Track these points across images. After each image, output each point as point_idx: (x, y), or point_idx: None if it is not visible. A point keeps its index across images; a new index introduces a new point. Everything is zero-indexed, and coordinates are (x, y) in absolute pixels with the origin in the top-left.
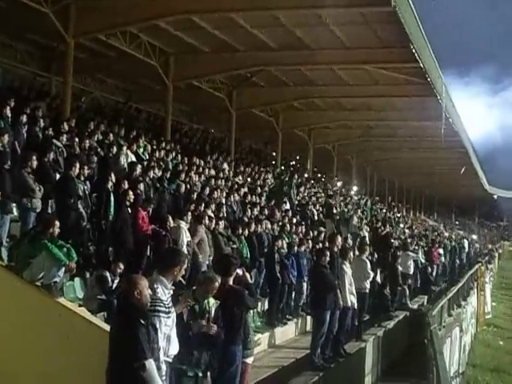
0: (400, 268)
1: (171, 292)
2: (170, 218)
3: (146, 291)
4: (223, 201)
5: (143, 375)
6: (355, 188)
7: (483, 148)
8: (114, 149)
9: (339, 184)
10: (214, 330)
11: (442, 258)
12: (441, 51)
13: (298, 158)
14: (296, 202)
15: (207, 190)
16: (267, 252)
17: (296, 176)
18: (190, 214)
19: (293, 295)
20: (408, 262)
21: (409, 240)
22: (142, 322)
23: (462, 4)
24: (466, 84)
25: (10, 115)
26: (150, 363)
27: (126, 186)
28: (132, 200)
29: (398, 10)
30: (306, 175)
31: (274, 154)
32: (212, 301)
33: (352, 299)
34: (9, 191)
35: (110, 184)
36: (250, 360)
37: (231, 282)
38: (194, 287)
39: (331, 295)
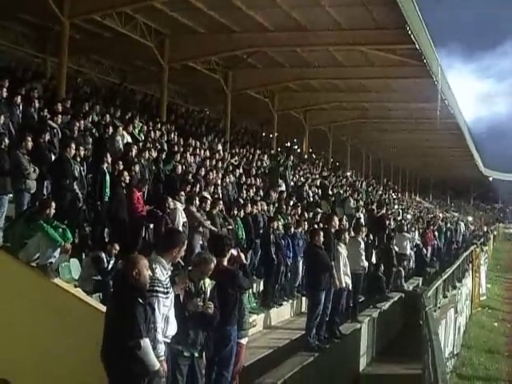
0: (396, 249)
1: (169, 273)
2: (170, 199)
3: (145, 271)
4: (218, 182)
5: (138, 353)
6: (348, 174)
7: (478, 130)
8: (110, 130)
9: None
10: (211, 309)
11: (437, 240)
12: (436, 29)
13: (293, 139)
14: (292, 184)
15: (202, 171)
16: (262, 233)
17: (291, 157)
18: (184, 194)
19: (288, 276)
20: (404, 243)
21: (404, 221)
22: (140, 301)
23: None
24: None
25: (5, 96)
26: (146, 342)
27: (122, 167)
28: (127, 181)
29: None
30: (301, 156)
31: (270, 135)
32: (208, 281)
33: (347, 280)
34: (7, 172)
35: (105, 165)
36: (244, 340)
37: (226, 263)
38: (190, 268)
39: (326, 276)
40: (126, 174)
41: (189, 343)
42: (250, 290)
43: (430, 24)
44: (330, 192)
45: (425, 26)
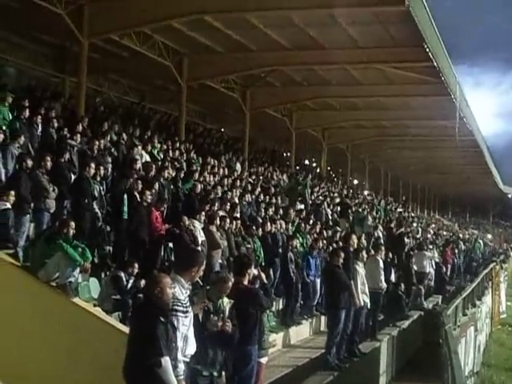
0: (415, 267)
1: (188, 292)
2: (185, 217)
3: (167, 290)
4: (237, 200)
5: (158, 372)
6: (366, 192)
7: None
8: (129, 149)
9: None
10: (230, 326)
11: (456, 258)
12: (452, 45)
13: (312, 157)
14: (310, 202)
15: (221, 190)
16: (281, 252)
17: (310, 176)
18: (203, 213)
19: (307, 295)
20: (424, 262)
21: (423, 239)
22: (162, 319)
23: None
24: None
25: (26, 116)
26: (166, 361)
27: (140, 186)
28: (149, 200)
29: (411, 9)
30: (319, 175)
31: (288, 153)
32: (226, 300)
33: (365, 298)
34: (25, 193)
35: (125, 184)
36: (264, 360)
37: (246, 282)
38: (208, 287)
39: (345, 294)
40: (148, 193)
41: (208, 362)
42: (270, 309)
43: (446, 40)
44: (352, 210)
45: (442, 43)
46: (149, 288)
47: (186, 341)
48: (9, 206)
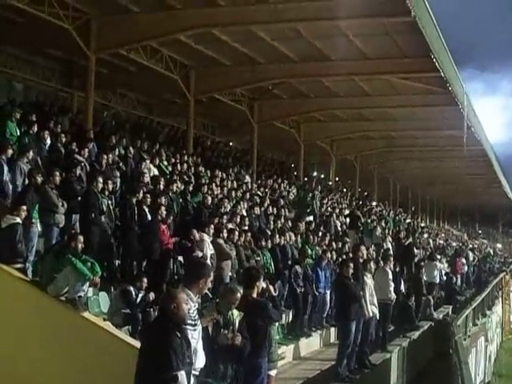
0: (425, 277)
1: (197, 305)
2: (195, 231)
3: (183, 305)
4: (244, 213)
5: None
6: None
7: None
8: (137, 163)
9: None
10: (239, 339)
11: (466, 268)
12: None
13: (320, 169)
14: (319, 214)
15: (230, 203)
16: (291, 264)
17: (319, 187)
18: (212, 226)
19: (317, 307)
20: (434, 272)
21: (433, 250)
22: (178, 334)
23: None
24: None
25: (35, 131)
26: (182, 375)
27: (149, 200)
28: (164, 215)
29: (418, 20)
30: (328, 186)
31: (297, 165)
32: (236, 313)
33: (373, 309)
34: (30, 208)
35: (134, 198)
36: (273, 372)
37: (255, 295)
38: (217, 300)
39: (355, 306)
40: (163, 208)
41: (219, 376)
42: (279, 322)
43: (453, 48)
44: (362, 221)
45: (449, 54)
46: (165, 303)
47: (195, 354)
48: (19, 220)
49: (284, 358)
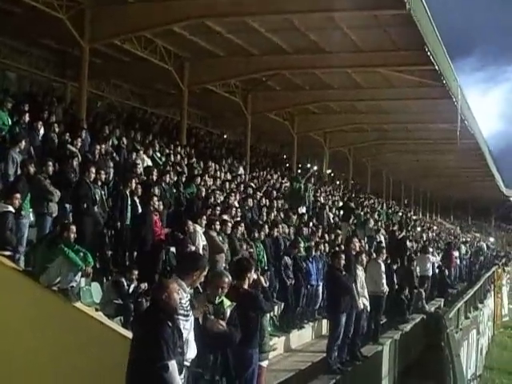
0: (418, 270)
1: (189, 296)
2: (190, 222)
3: (175, 295)
4: (236, 204)
5: (165, 376)
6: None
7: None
8: (130, 153)
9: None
10: (224, 326)
11: (459, 261)
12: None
13: (313, 161)
14: (312, 206)
15: (223, 194)
16: (283, 255)
17: (312, 179)
18: (204, 218)
19: (309, 299)
20: (426, 265)
21: (425, 243)
22: (169, 324)
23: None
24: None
25: (26, 121)
26: (173, 365)
27: (142, 190)
28: (157, 206)
29: (412, 12)
30: (321, 178)
31: (290, 157)
32: (227, 302)
33: (364, 302)
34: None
35: (126, 189)
36: (265, 363)
37: (246, 286)
38: (207, 289)
39: (346, 298)
40: (155, 199)
41: (209, 366)
42: (271, 313)
43: (447, 40)
44: (355, 213)
45: (443, 47)
46: (156, 293)
47: (187, 344)
48: (11, 209)
49: (276, 349)
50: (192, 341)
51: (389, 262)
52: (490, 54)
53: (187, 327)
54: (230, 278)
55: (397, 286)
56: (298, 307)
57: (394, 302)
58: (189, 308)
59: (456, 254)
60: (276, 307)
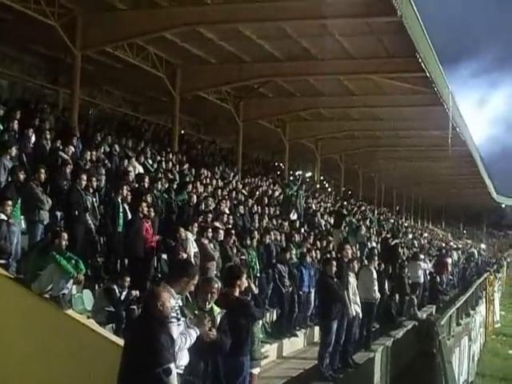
0: (409, 277)
1: (179, 302)
2: (182, 229)
3: (168, 303)
4: (227, 211)
5: (167, 380)
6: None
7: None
8: (122, 160)
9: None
10: (214, 335)
11: (450, 268)
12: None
13: (305, 168)
14: (303, 212)
15: (215, 201)
16: (275, 262)
17: (303, 186)
18: (196, 225)
19: (301, 306)
20: (417, 271)
21: (417, 250)
22: (163, 330)
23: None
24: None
25: (16, 128)
26: (173, 368)
27: (132, 197)
28: (146, 212)
29: (404, 19)
30: (313, 185)
31: (282, 164)
32: (217, 309)
33: (356, 309)
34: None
35: (118, 196)
36: (256, 370)
37: (237, 293)
38: (197, 296)
39: (337, 305)
40: (144, 205)
41: (200, 374)
42: (263, 320)
43: (438, 47)
44: (347, 220)
45: (435, 54)
46: (149, 301)
47: (180, 351)
48: (3, 217)
49: (267, 356)
50: (185, 348)
51: (381, 268)
52: (492, 59)
53: (179, 333)
54: (220, 284)
55: (388, 293)
56: (293, 314)
57: (383, 309)
58: (179, 312)
59: (449, 260)
60: (268, 314)
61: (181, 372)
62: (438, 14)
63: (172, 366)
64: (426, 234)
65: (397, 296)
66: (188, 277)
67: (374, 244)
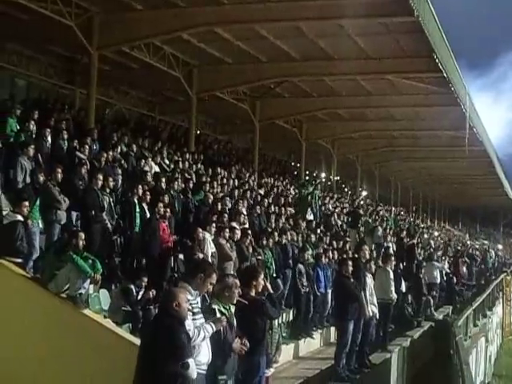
0: (426, 278)
1: (197, 297)
2: (199, 229)
3: (184, 304)
4: (244, 211)
5: (186, 374)
6: (364, 193)
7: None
8: (139, 160)
9: (364, 193)
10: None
11: (464, 269)
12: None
13: (322, 168)
14: (320, 213)
15: (231, 201)
16: (292, 263)
17: (319, 186)
18: (214, 225)
19: (318, 306)
20: (434, 272)
21: (433, 250)
22: (181, 328)
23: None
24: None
25: (34, 128)
26: (192, 362)
27: (149, 197)
28: (162, 213)
29: (421, 19)
30: (329, 185)
31: (298, 164)
32: (234, 309)
33: (373, 309)
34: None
35: (135, 196)
36: (270, 371)
37: (253, 293)
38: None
39: (354, 305)
40: (160, 205)
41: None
42: (279, 320)
43: (456, 47)
44: (363, 220)
45: (452, 54)
46: (166, 302)
47: (198, 348)
48: (20, 218)
49: (278, 362)
50: (204, 345)
51: (398, 269)
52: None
53: (194, 327)
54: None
55: (404, 293)
56: (309, 314)
57: (399, 310)
58: (198, 306)
59: (465, 260)
60: (284, 314)
61: (203, 371)
62: (456, 14)
63: (191, 360)
64: (442, 235)
65: (410, 296)
66: (204, 273)
67: (391, 244)
